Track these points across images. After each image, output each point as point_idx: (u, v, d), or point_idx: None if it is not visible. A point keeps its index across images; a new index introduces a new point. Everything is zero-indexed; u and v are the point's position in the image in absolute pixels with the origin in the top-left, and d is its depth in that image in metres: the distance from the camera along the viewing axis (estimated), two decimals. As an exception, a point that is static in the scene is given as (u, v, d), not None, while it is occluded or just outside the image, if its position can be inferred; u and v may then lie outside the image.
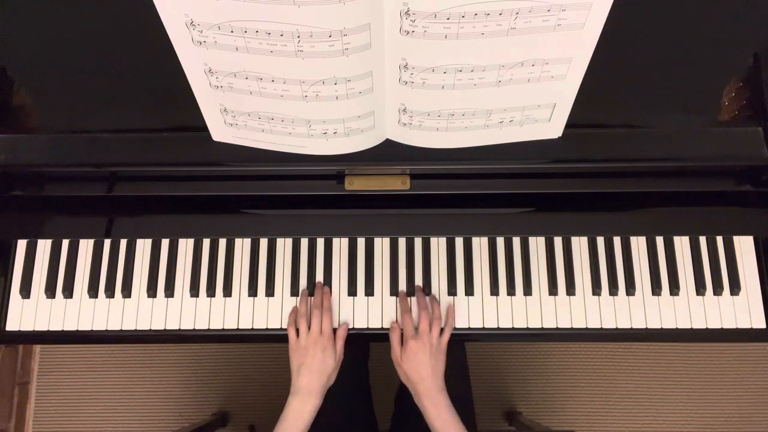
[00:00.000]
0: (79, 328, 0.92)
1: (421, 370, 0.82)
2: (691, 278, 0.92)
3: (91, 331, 0.92)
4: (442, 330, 0.87)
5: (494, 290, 0.92)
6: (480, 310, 0.92)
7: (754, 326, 0.90)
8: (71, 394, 1.62)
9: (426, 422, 0.82)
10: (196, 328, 0.92)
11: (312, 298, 0.91)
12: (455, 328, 0.91)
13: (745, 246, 0.93)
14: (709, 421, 1.60)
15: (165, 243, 0.95)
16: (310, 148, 0.79)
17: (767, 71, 0.81)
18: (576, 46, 0.65)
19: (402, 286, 0.93)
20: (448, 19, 0.60)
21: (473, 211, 0.91)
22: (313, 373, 0.83)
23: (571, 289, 0.92)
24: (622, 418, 1.60)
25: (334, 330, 0.89)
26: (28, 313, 0.92)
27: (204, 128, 0.79)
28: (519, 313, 0.91)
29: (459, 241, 0.94)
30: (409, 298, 0.92)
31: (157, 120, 0.82)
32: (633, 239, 0.94)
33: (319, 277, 0.94)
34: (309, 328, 0.87)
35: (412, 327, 0.86)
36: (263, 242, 0.95)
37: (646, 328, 0.90)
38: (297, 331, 0.88)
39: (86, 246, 0.95)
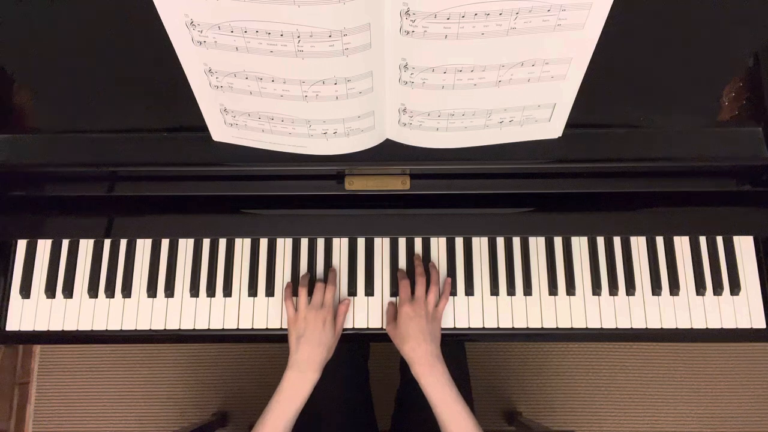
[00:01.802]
0: (79, 328, 0.92)
1: (417, 335, 0.81)
2: (691, 278, 0.92)
3: (91, 331, 0.92)
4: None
5: (494, 290, 0.92)
6: (480, 310, 0.92)
7: (754, 326, 0.90)
8: (71, 394, 1.62)
9: (426, 421, 0.82)
10: (196, 328, 0.92)
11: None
12: (455, 328, 0.91)
13: (745, 246, 0.93)
14: (709, 421, 1.60)
15: (165, 243, 0.95)
16: (310, 148, 0.79)
17: (767, 71, 0.81)
18: (576, 46, 0.65)
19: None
20: (448, 19, 0.60)
21: (473, 211, 0.91)
22: (312, 345, 0.81)
23: (571, 289, 0.92)
24: (622, 417, 1.60)
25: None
26: (28, 313, 0.92)
27: (204, 128, 0.79)
28: (519, 313, 0.91)
29: (459, 241, 0.94)
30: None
31: (157, 120, 0.82)
32: (633, 239, 0.94)
33: (319, 277, 0.94)
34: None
35: (408, 292, 0.86)
36: (263, 242, 0.95)
37: (646, 328, 0.90)
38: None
39: (86, 246, 0.95)
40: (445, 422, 0.77)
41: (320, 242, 0.95)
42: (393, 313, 0.89)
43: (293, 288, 0.91)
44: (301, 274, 0.93)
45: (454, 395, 0.78)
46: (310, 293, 0.90)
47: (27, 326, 0.92)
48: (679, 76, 0.80)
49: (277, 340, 0.92)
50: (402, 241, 0.95)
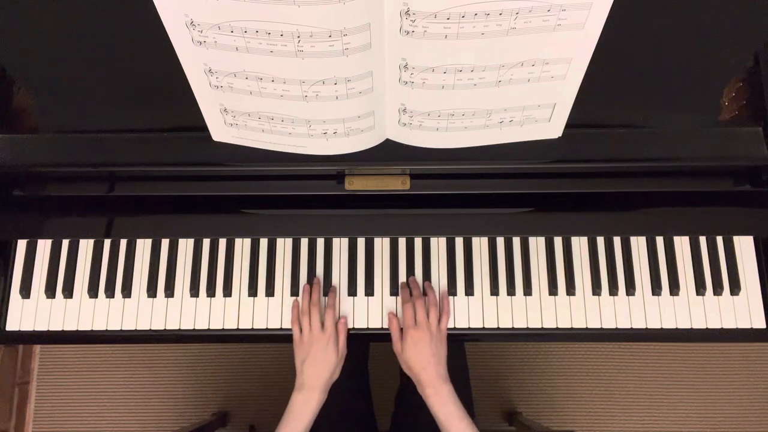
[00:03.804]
0: (79, 328, 0.92)
1: (423, 359, 0.83)
2: (691, 278, 0.92)
3: (91, 331, 0.92)
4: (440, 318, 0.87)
5: (494, 290, 0.92)
6: (480, 310, 0.92)
7: (754, 326, 0.90)
8: (71, 394, 1.62)
9: (425, 421, 0.82)
10: (196, 328, 0.92)
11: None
12: (455, 328, 0.91)
13: (745, 246, 0.93)
14: (709, 421, 1.60)
15: (165, 243, 0.95)
16: (310, 148, 0.79)
17: (767, 71, 0.81)
18: (576, 46, 0.65)
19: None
20: (448, 19, 0.60)
21: (473, 211, 0.91)
22: (316, 368, 0.84)
23: (571, 289, 0.92)
24: (623, 417, 1.60)
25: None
26: (28, 313, 0.92)
27: (204, 128, 0.79)
28: (519, 313, 0.91)
29: (459, 241, 0.94)
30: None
31: (157, 120, 0.82)
32: (633, 239, 0.94)
33: (319, 277, 0.94)
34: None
35: (411, 317, 0.86)
36: (263, 242, 0.95)
37: (646, 328, 0.90)
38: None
39: (86, 246, 0.95)
40: None
41: (320, 242, 0.95)
42: (397, 327, 0.89)
43: (307, 305, 0.91)
44: (301, 275, 0.93)
45: (460, 413, 0.80)
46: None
47: (27, 326, 0.92)
48: (679, 76, 0.80)
49: (277, 340, 0.92)
50: (402, 241, 0.95)
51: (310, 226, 0.92)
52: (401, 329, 0.87)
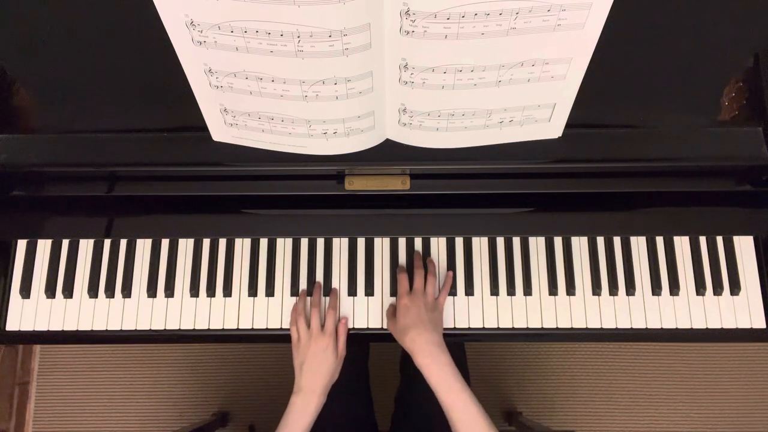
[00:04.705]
0: (79, 328, 0.92)
1: (417, 325, 0.80)
2: (691, 278, 0.92)
3: (91, 331, 0.92)
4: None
5: (494, 290, 0.92)
6: (480, 310, 0.92)
7: (754, 326, 0.90)
8: (71, 394, 1.62)
9: (425, 420, 0.82)
10: (196, 328, 0.92)
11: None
12: (455, 328, 0.91)
13: (745, 246, 0.93)
14: (709, 421, 1.60)
15: (165, 243, 0.95)
16: (310, 148, 0.79)
17: (767, 71, 0.81)
18: (576, 46, 0.65)
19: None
20: (448, 19, 0.60)
21: (473, 211, 0.91)
22: (314, 371, 0.83)
23: (571, 289, 0.92)
24: (623, 417, 1.60)
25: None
26: (28, 313, 0.92)
27: (204, 128, 0.79)
28: (519, 313, 0.91)
29: (459, 241, 0.94)
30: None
31: (157, 120, 0.82)
32: (633, 239, 0.94)
33: (319, 277, 0.94)
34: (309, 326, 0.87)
35: (407, 285, 0.86)
36: (263, 242, 0.95)
37: (646, 328, 0.90)
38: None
39: (86, 246, 0.95)
40: (451, 411, 0.75)
41: (320, 242, 0.95)
42: (392, 311, 0.89)
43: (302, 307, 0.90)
44: (301, 275, 0.93)
45: (458, 384, 0.76)
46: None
47: (27, 326, 0.92)
48: (680, 76, 0.80)
49: (277, 340, 0.92)
50: (402, 241, 0.95)
51: (310, 226, 0.92)
52: (395, 312, 0.87)
